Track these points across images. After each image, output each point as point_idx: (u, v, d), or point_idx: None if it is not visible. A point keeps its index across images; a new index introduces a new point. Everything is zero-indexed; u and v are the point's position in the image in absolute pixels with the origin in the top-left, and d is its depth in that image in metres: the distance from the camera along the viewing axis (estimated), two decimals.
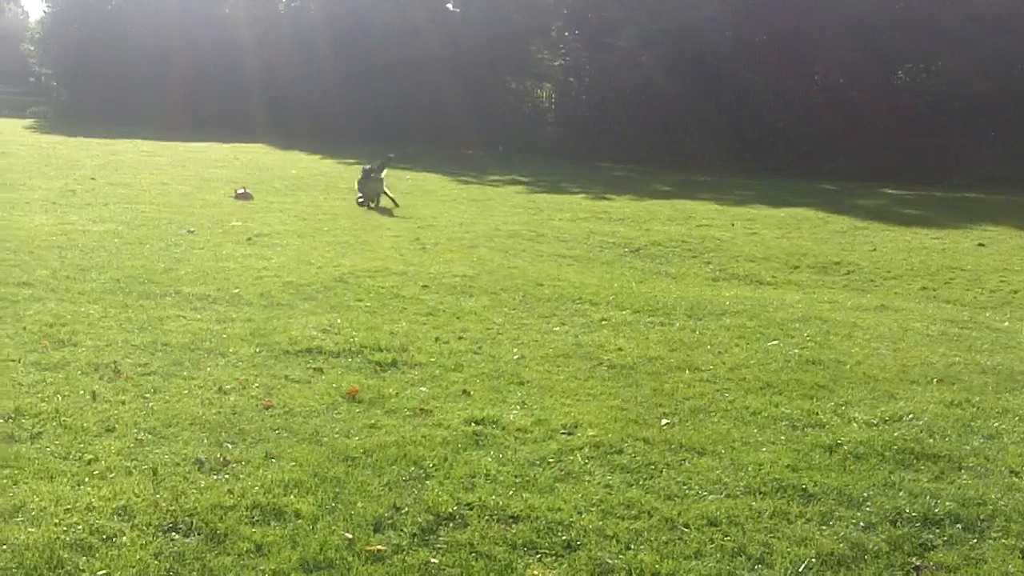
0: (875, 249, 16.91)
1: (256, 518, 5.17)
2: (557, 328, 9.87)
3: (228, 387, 7.22)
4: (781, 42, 37.57)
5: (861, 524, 5.51)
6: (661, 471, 6.12)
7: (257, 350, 8.31)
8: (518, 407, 7.17)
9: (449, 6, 51.38)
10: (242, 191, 20.55)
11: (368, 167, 20.32)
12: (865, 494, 5.88)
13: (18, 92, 70.25)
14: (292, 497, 5.40)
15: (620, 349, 9.05)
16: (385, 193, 20.04)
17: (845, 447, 6.61)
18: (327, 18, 47.83)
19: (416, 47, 46.38)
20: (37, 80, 69.67)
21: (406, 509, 5.39)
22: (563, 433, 6.65)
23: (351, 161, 33.09)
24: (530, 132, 47.20)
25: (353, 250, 13.89)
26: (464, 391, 7.47)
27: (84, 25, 58.43)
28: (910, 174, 33.21)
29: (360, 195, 20.08)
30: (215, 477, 5.61)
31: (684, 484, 5.94)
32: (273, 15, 51.06)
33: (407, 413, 6.90)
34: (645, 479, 5.99)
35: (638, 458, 6.28)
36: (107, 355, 7.88)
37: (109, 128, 44.47)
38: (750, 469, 6.20)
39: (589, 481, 5.91)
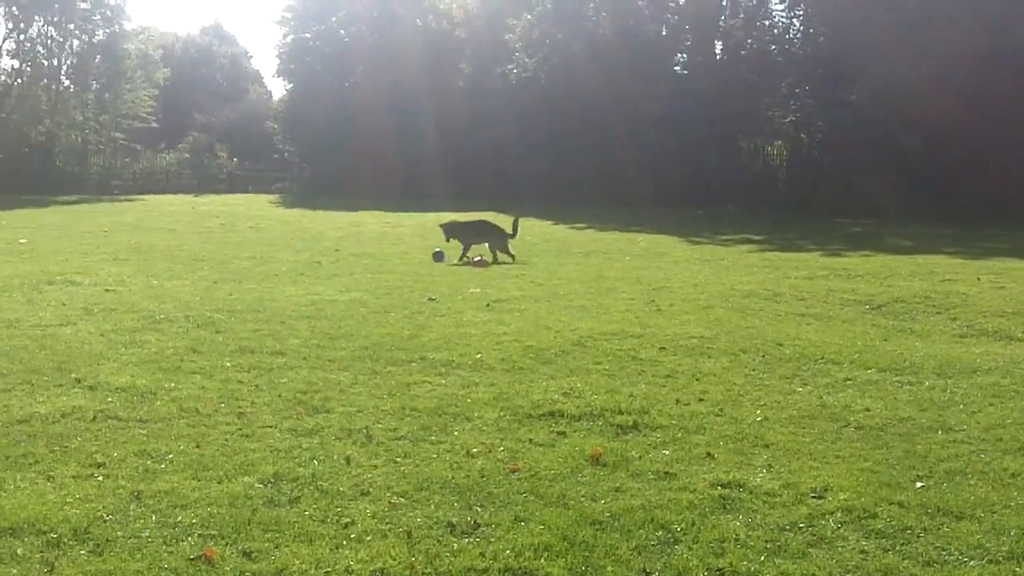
0: None
1: None
2: (800, 389, 9.66)
3: (475, 451, 7.36)
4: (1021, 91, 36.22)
5: None
6: (918, 536, 5.89)
7: (501, 414, 8.45)
8: (764, 470, 7.04)
9: (677, 68, 51.59)
10: (479, 258, 21.05)
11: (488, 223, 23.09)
12: None
13: (262, 168, 74.19)
14: (543, 561, 5.44)
15: (867, 410, 8.78)
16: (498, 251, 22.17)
17: None
18: (556, 88, 48.72)
19: (643, 110, 46.70)
20: (281, 156, 73.39)
21: (656, 574, 5.36)
22: (813, 497, 6.49)
23: (581, 226, 33.49)
24: (760, 190, 46.78)
25: (589, 313, 13.98)
26: (708, 454, 7.38)
27: (324, 103, 61.22)
28: None
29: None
30: (467, 540, 5.71)
31: (943, 550, 5.70)
32: (504, 86, 52.31)
33: (651, 476, 6.87)
34: (902, 544, 5.78)
35: (893, 523, 6.07)
36: (359, 420, 8.17)
37: (349, 200, 46.41)
38: (1012, 533, 5.90)
39: (843, 547, 5.74)
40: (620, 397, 8.99)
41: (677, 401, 8.97)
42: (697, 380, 9.90)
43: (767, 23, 50.35)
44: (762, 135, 50.37)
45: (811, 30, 47.57)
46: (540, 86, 49.70)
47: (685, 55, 52.46)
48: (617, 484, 6.69)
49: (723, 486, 6.64)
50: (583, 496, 6.45)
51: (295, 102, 67.18)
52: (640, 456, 7.31)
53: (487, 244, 22.02)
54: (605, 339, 11.89)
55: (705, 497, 6.44)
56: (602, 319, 13.46)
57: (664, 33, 51.97)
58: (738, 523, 6.04)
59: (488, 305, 14.61)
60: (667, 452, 7.44)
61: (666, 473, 6.92)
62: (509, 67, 51.84)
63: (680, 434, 7.92)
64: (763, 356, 11.13)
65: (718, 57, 50.62)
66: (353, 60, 63.68)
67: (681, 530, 5.91)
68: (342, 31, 65.81)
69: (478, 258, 21.13)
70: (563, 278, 18.53)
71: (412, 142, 55.93)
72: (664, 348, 11.41)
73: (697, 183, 46.39)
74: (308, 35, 67.13)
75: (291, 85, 69.05)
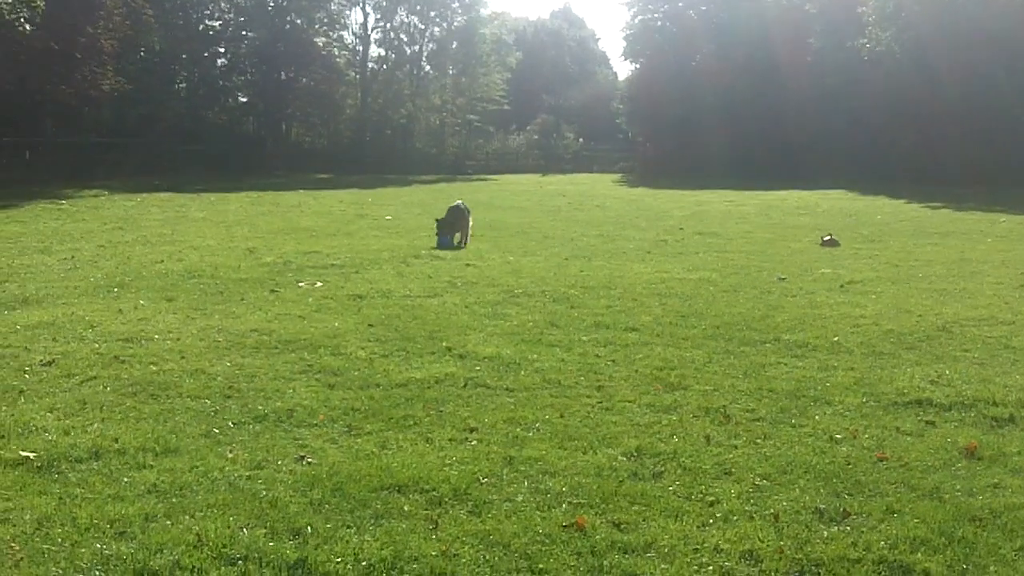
0: None
1: (883, 574, 5.01)
2: None
3: (838, 436, 7.13)
4: None
5: None
6: None
7: (863, 400, 8.15)
8: None
9: None
10: (828, 238, 20.47)
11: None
12: None
13: (608, 148, 75.16)
14: (920, 555, 5.17)
15: None
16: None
17: None
18: (911, 62, 46.51)
19: (1006, 83, 44.00)
20: (625, 136, 74.20)
21: None
22: None
23: (937, 205, 31.96)
24: None
25: (953, 297, 13.30)
26: None
27: (669, 83, 61.46)
28: None
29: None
30: (836, 528, 5.52)
31: None
32: (855, 61, 50.52)
33: None
34: None
35: None
36: (716, 399, 8.10)
37: (691, 179, 46.34)
38: None
39: None
40: (994, 387, 8.48)
41: None
42: None
43: None
44: None
45: None
46: (895, 60, 47.57)
47: None
48: (995, 480, 6.29)
49: None
50: (959, 490, 6.10)
51: (640, 83, 67.56)
52: (1019, 451, 6.85)
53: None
54: (973, 325, 11.29)
55: None
56: (967, 304, 12.78)
57: None
58: None
59: (842, 286, 14.18)
60: None
61: None
62: (861, 41, 49.90)
63: None
64: None
65: None
66: (700, 39, 63.35)
67: None
68: (690, 11, 65.63)
69: (827, 237, 20.52)
70: (920, 259, 17.73)
71: (757, 120, 55.16)
72: None
73: None
74: (655, 15, 67.35)
75: (637, 66, 69.51)
